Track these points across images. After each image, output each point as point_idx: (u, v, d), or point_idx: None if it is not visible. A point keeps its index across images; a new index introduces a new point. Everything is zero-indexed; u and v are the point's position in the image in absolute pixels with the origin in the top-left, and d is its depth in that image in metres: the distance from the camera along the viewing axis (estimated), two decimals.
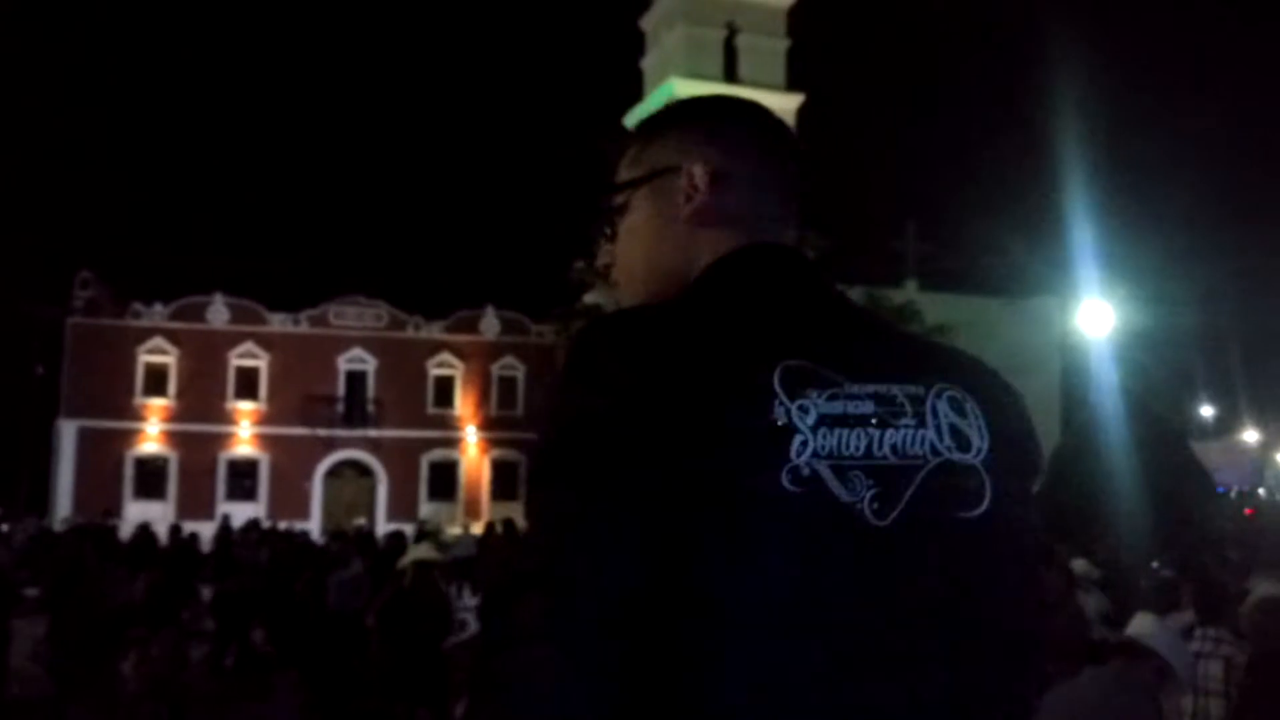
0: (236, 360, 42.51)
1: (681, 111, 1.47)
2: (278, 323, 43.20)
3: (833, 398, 1.22)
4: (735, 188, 1.40)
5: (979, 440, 1.28)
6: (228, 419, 42.36)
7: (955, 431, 1.28)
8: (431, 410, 44.02)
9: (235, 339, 42.50)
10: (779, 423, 1.18)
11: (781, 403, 1.19)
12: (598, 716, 1.12)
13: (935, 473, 1.25)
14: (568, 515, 1.16)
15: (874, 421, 1.23)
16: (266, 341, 42.80)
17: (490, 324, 44.68)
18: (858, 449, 1.21)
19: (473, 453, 44.22)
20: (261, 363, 42.72)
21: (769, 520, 1.15)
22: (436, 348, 44.25)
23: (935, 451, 1.26)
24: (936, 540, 1.23)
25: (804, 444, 1.18)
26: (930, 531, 1.23)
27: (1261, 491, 39.49)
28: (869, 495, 1.20)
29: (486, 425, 44.08)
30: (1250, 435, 51.57)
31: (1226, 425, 51.71)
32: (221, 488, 41.61)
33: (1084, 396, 23.00)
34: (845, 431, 1.21)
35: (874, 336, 1.32)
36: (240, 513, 34.28)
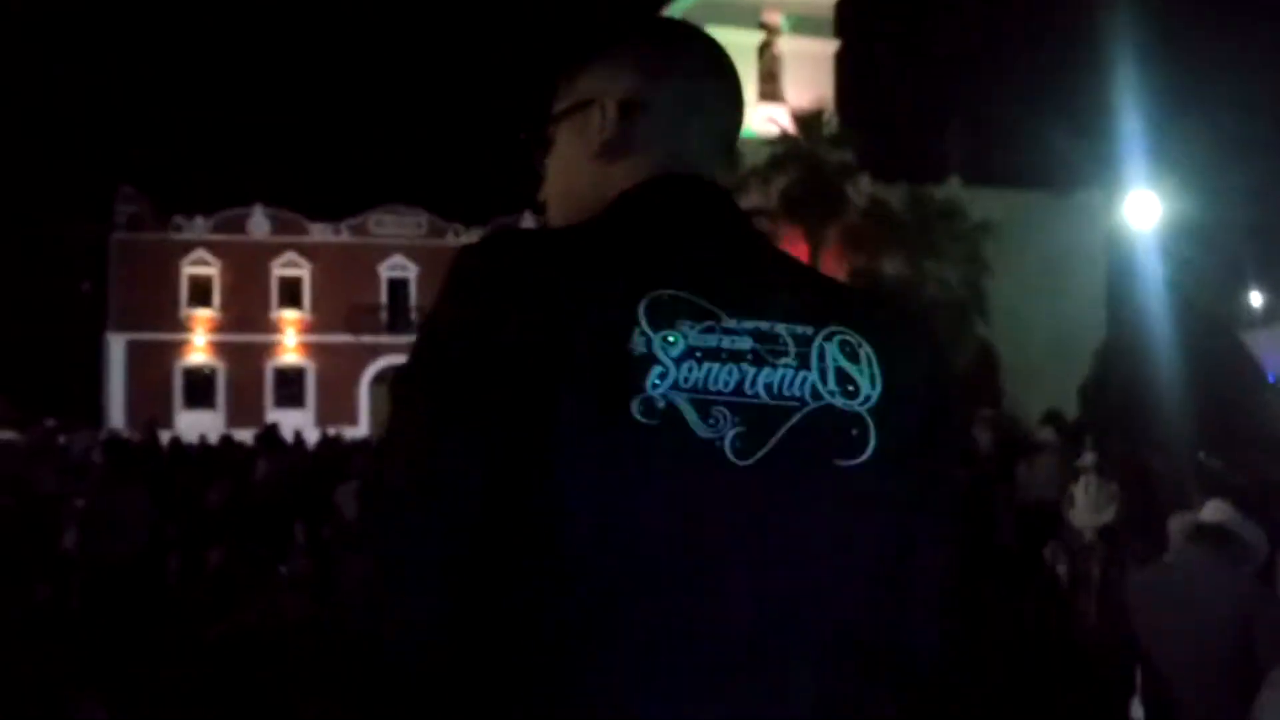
0: (279, 270, 42.74)
1: (604, 40, 1.40)
2: (318, 232, 43.32)
3: (708, 330, 1.19)
4: (651, 118, 1.34)
5: (869, 387, 1.24)
6: (273, 328, 42.75)
7: (842, 376, 1.23)
8: None
9: (277, 249, 42.68)
10: (636, 352, 1.15)
11: (643, 332, 1.16)
12: (417, 631, 1.13)
13: (813, 416, 1.20)
14: (416, 427, 1.15)
15: (750, 358, 1.19)
16: (308, 251, 42.96)
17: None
18: (727, 385, 1.18)
19: None
20: (304, 272, 42.94)
21: (616, 450, 1.13)
22: None
23: (816, 395, 1.21)
24: (804, 485, 1.19)
25: (663, 375, 1.15)
26: (798, 476, 1.19)
27: None
28: (732, 433, 1.17)
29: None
30: None
31: (1277, 313, 50.92)
32: (270, 396, 42.13)
33: (1129, 292, 22.72)
34: (716, 366, 1.18)
35: (772, 274, 1.28)
36: (289, 420, 34.72)
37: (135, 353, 40.95)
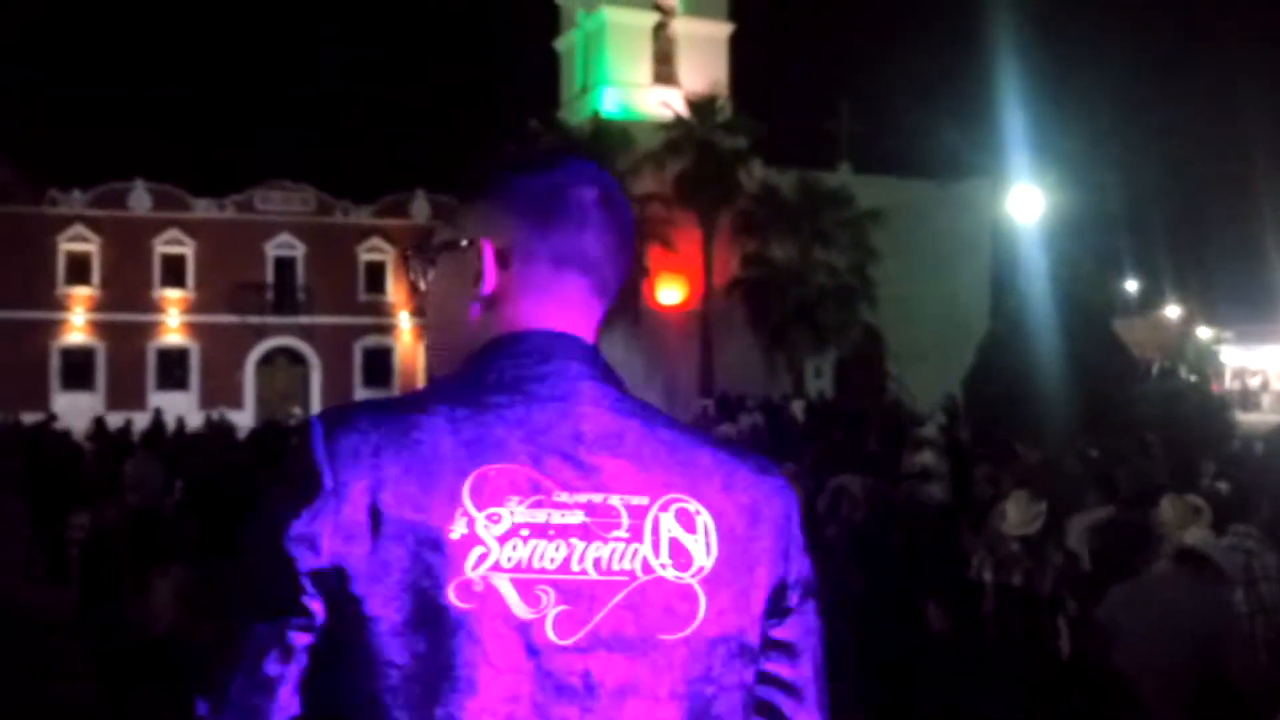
0: (161, 248, 41.61)
1: (491, 180, 1.38)
2: (202, 209, 42.23)
3: (537, 505, 1.18)
4: (529, 268, 1.33)
5: (703, 557, 1.23)
6: (155, 308, 41.65)
7: (676, 547, 1.22)
8: (364, 297, 43.58)
9: (159, 226, 41.53)
10: (454, 535, 1.15)
11: (465, 513, 1.15)
12: None
13: (641, 591, 1.20)
14: (237, 630, 1.17)
15: (579, 533, 1.19)
16: (191, 228, 41.90)
17: (421, 208, 44.07)
18: (552, 562, 1.17)
19: (407, 339, 43.99)
20: (187, 250, 41.87)
21: (433, 639, 1.13)
22: (366, 233, 43.62)
23: (647, 568, 1.21)
24: (628, 662, 1.18)
25: (483, 556, 1.15)
26: (620, 653, 1.18)
27: (1183, 369, 40.50)
28: (554, 612, 1.16)
29: (420, 311, 43.73)
30: (1173, 311, 52.69)
31: (1150, 301, 52.69)
32: (152, 378, 41.07)
33: (1012, 282, 23.30)
34: (543, 543, 1.17)
35: (619, 443, 1.25)
36: (171, 403, 33.95)
37: (9, 332, 39.55)
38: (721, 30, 40.59)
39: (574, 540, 1.19)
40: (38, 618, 8.71)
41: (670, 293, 35.99)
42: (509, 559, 1.16)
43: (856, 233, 34.98)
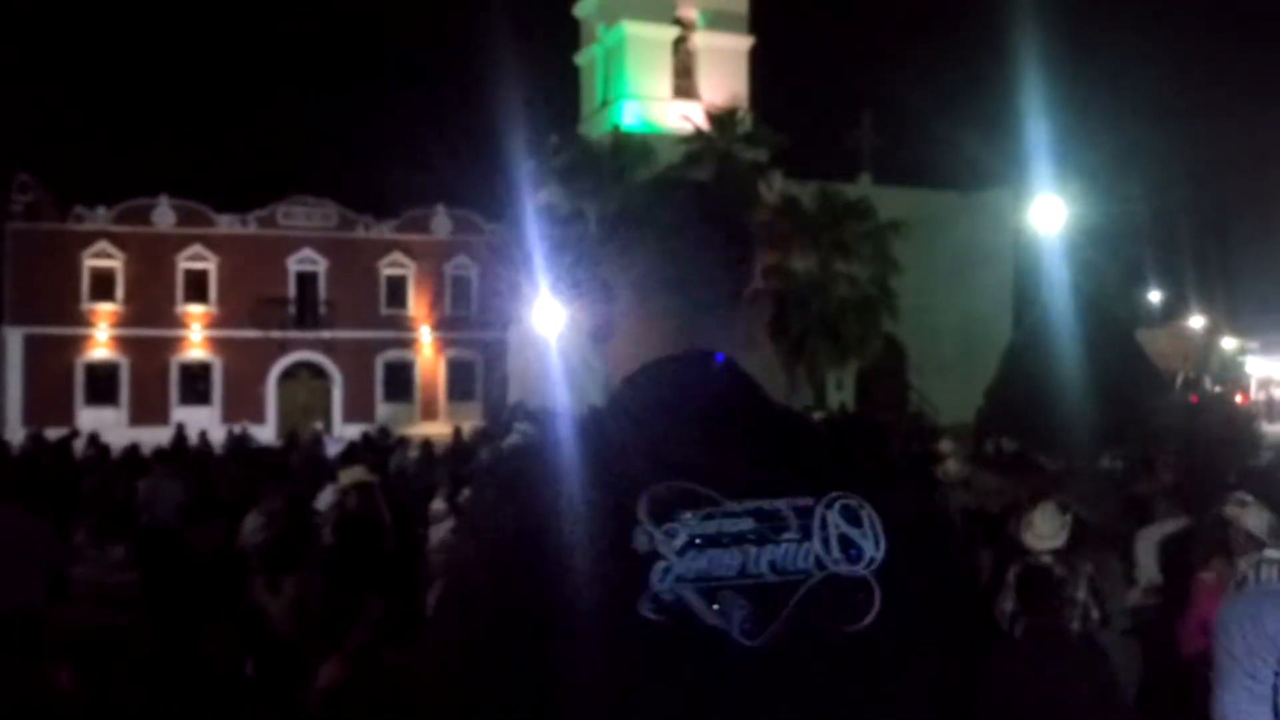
0: (185, 263, 41.87)
1: (619, 229, 1.48)
2: (225, 224, 42.50)
3: (708, 517, 1.24)
4: (666, 291, 1.42)
5: (872, 549, 1.27)
6: (178, 323, 41.89)
7: (845, 542, 1.27)
8: (384, 311, 43.72)
9: (183, 241, 41.81)
10: (640, 550, 1.21)
11: (645, 530, 1.22)
12: None
13: (819, 587, 1.24)
14: (447, 650, 1.27)
15: (752, 538, 1.24)
16: (215, 244, 42.15)
17: (442, 223, 44.20)
18: (730, 569, 1.23)
19: (428, 353, 44.09)
20: (210, 265, 42.12)
21: (629, 650, 1.19)
22: (387, 248, 43.79)
23: (820, 565, 1.25)
24: (815, 657, 1.23)
25: (667, 569, 1.21)
26: (808, 648, 1.23)
27: (1206, 378, 40.21)
28: (740, 616, 1.21)
29: (441, 325, 43.87)
30: (1196, 321, 52.32)
31: (1174, 311, 52.32)
32: (175, 392, 41.29)
33: (1035, 293, 23.18)
34: (719, 552, 1.23)
35: (774, 447, 1.32)
36: (194, 417, 34.08)
37: (34, 347, 39.84)
38: (742, 44, 40.65)
39: (747, 546, 1.24)
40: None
41: None
42: (689, 570, 1.22)
43: (877, 244, 34.83)
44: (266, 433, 34.73)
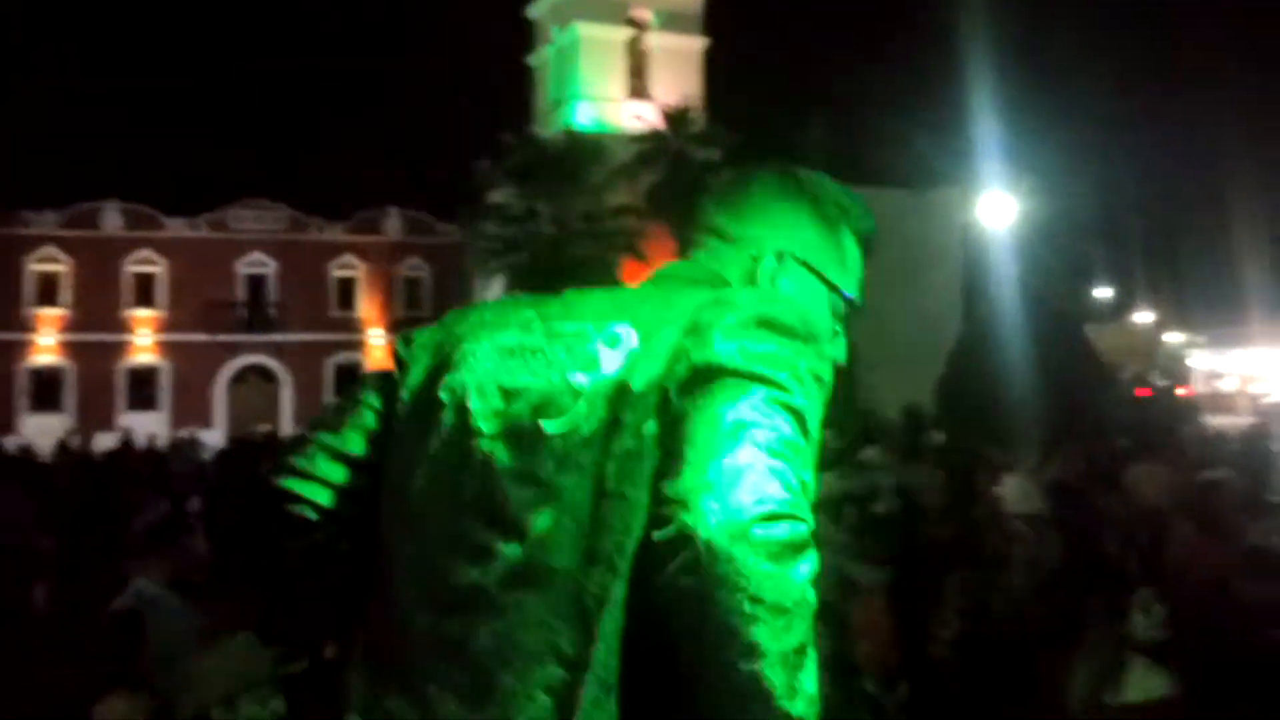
0: (133, 267, 41.36)
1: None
2: (175, 228, 42.02)
3: (521, 331, 1.54)
4: None
5: (611, 366, 1.43)
6: (125, 327, 41.35)
7: (589, 359, 1.45)
8: (335, 313, 43.40)
9: (131, 245, 41.29)
10: (453, 356, 1.56)
11: (465, 341, 1.57)
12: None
13: (556, 392, 1.44)
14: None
15: (534, 353, 1.50)
16: (164, 247, 41.66)
17: (393, 224, 43.94)
18: (507, 374, 1.50)
19: (378, 355, 43.80)
20: (159, 269, 41.63)
21: (420, 429, 1.53)
22: (338, 249, 43.47)
23: (568, 376, 1.45)
24: (526, 450, 1.43)
25: (470, 370, 1.53)
26: (522, 442, 1.43)
27: (1154, 374, 40.67)
28: (492, 408, 1.48)
29: (392, 327, 43.62)
30: (1144, 317, 52.92)
31: (1123, 307, 52.90)
32: (122, 398, 40.75)
33: (984, 289, 23.33)
34: (509, 360, 1.51)
35: (591, 294, 1.60)
36: (142, 423, 33.63)
37: None
38: (695, 44, 40.65)
39: (528, 358, 1.51)
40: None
41: None
42: (482, 370, 1.53)
43: None
44: (215, 437, 34.36)
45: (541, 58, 42.32)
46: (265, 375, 42.91)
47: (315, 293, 42.83)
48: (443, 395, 1.51)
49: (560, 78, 40.35)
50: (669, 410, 1.36)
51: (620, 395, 1.39)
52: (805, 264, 1.69)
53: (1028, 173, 30.37)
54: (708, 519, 1.22)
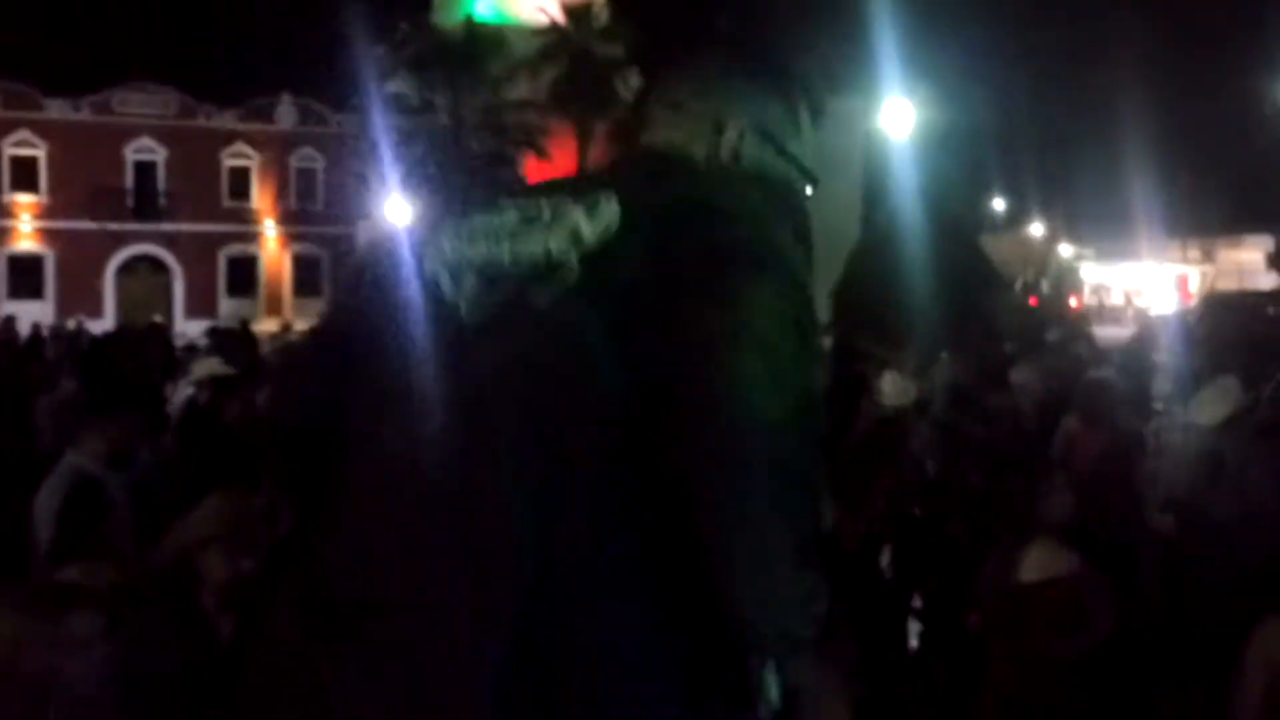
0: (10, 149, 39.82)
1: None
2: (56, 109, 40.42)
3: (492, 213, 1.59)
4: None
5: (588, 237, 1.50)
6: (5, 212, 39.90)
7: (577, 235, 1.51)
8: (227, 203, 42.36)
9: (8, 125, 39.68)
10: (442, 241, 1.60)
11: (452, 226, 1.62)
12: None
13: (537, 269, 1.50)
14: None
15: (510, 232, 1.55)
16: (44, 129, 40.09)
17: (287, 113, 42.80)
18: (483, 254, 1.55)
19: (272, 247, 42.92)
20: (39, 152, 40.13)
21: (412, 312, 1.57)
22: (230, 138, 42.27)
23: (548, 252, 1.51)
24: (509, 328, 1.49)
25: (448, 252, 1.57)
26: (506, 319, 1.50)
27: (1044, 283, 41.62)
28: (472, 291, 1.53)
29: (286, 219, 42.72)
30: (1037, 229, 53.97)
31: (1017, 218, 53.84)
32: (3, 286, 39.45)
33: (883, 196, 23.54)
34: (484, 241, 1.56)
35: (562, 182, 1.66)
36: (26, 312, 32.60)
37: None
38: None
39: (503, 238, 1.60)
40: None
41: None
42: (459, 251, 1.62)
43: None
44: (104, 327, 33.48)
45: None
46: (156, 265, 41.83)
47: (207, 182, 41.69)
48: None
49: None
50: None
51: None
52: (766, 136, 1.73)
53: (928, 80, 30.54)
54: None
